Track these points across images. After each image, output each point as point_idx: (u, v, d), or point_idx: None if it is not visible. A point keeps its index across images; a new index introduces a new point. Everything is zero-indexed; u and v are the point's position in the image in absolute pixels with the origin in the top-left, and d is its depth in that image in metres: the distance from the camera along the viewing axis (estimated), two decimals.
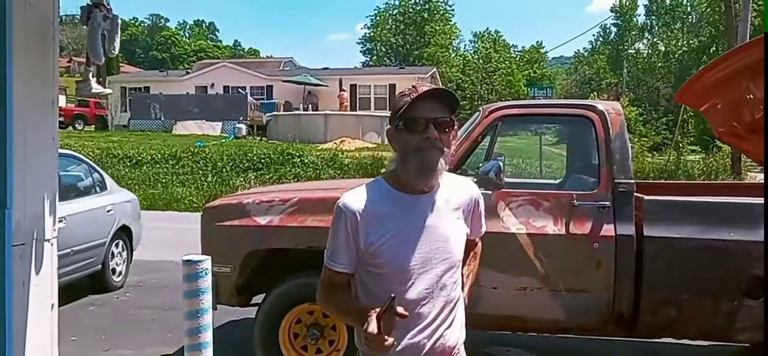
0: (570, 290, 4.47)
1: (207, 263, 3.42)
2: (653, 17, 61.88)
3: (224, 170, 20.00)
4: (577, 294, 4.48)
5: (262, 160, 20.64)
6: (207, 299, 3.41)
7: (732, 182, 14.22)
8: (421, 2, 65.36)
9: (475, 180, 4.29)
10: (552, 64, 78.70)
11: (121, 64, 53.49)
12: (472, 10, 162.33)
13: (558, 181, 6.04)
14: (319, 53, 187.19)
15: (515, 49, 68.87)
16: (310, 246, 4.51)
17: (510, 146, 19.79)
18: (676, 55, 55.92)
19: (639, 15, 62.87)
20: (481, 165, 4.57)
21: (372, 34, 67.75)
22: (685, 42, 56.81)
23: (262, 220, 4.70)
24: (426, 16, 64.42)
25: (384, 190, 2.05)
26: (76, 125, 34.31)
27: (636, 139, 26.48)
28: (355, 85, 36.84)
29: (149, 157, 21.17)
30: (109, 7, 3.48)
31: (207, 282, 3.40)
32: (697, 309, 4.42)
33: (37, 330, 3.12)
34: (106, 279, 7.70)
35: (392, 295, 1.84)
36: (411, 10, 65.33)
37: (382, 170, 15.55)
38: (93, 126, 34.88)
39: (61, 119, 32.97)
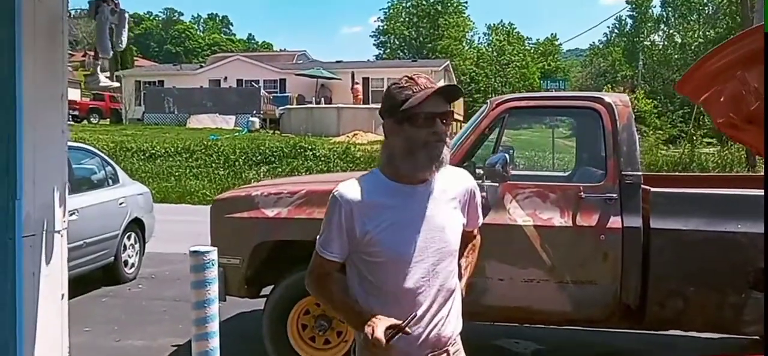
0: (577, 282, 4.47)
1: (213, 254, 3.45)
2: (669, 9, 61.17)
3: (237, 163, 20.14)
4: (583, 285, 4.47)
5: (275, 154, 20.76)
6: (213, 289, 3.44)
7: (744, 174, 14.08)
8: None
9: (481, 171, 4.33)
10: (567, 56, 78.17)
11: (135, 58, 53.87)
12: (485, 3, 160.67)
13: (567, 174, 6.04)
14: (333, 46, 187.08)
15: (529, 42, 68.71)
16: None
17: (524, 139, 19.81)
18: (693, 47, 55.15)
19: (654, 6, 62.33)
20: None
21: (385, 27, 67.76)
22: (701, 33, 56.18)
23: (271, 212, 4.74)
24: (439, 8, 64.29)
25: (380, 181, 2.06)
26: (92, 119, 34.70)
27: (651, 132, 26.30)
28: (368, 78, 36.68)
29: (163, 151, 21.35)
30: (116, 1, 3.51)
31: (213, 272, 3.44)
32: (704, 301, 4.39)
33: (47, 321, 3.16)
34: (119, 271, 7.79)
35: (415, 314, 1.94)
36: (424, 2, 65.22)
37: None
38: (108, 119, 35.23)
39: (77, 113, 33.40)
